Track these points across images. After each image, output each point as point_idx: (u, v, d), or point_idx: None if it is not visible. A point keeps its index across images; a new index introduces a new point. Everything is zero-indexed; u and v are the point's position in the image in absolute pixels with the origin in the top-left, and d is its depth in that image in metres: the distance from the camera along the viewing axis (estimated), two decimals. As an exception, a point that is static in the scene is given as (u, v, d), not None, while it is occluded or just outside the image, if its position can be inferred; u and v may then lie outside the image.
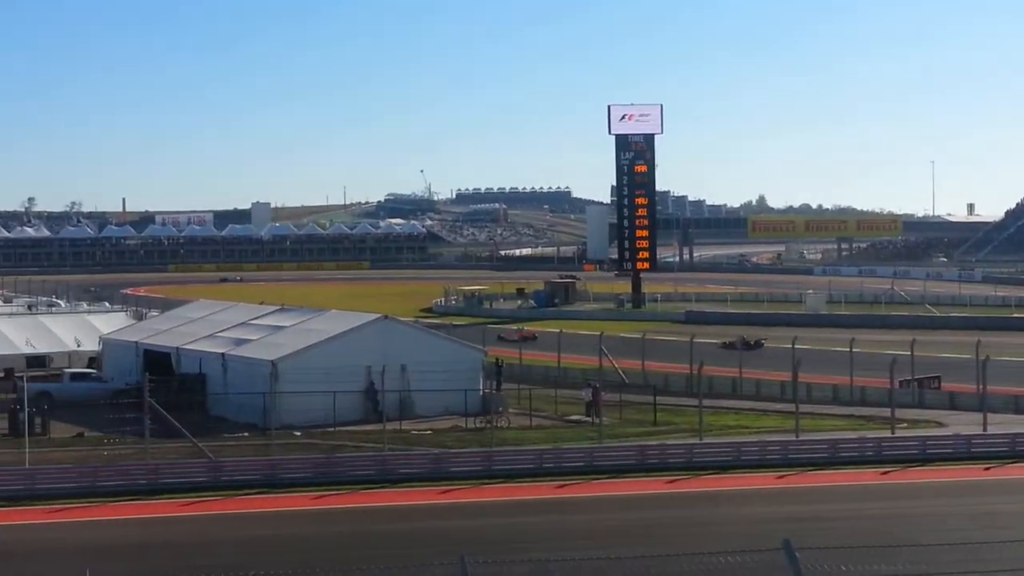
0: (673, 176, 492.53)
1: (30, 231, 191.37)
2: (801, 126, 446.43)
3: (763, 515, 28.79)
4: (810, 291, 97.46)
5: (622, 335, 64.58)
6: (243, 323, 48.33)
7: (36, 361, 49.86)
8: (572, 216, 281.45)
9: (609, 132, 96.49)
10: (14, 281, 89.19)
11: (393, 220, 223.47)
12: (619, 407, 43.01)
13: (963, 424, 39.88)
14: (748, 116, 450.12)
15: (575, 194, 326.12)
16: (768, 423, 41.92)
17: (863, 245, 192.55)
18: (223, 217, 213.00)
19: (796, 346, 47.32)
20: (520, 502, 30.61)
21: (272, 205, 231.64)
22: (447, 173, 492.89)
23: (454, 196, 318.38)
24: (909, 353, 47.61)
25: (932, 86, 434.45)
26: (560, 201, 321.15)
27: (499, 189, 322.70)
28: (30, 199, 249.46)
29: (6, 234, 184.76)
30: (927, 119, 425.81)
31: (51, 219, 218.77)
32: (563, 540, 26.68)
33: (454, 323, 68.18)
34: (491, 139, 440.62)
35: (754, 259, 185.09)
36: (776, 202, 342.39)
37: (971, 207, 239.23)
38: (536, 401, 44.29)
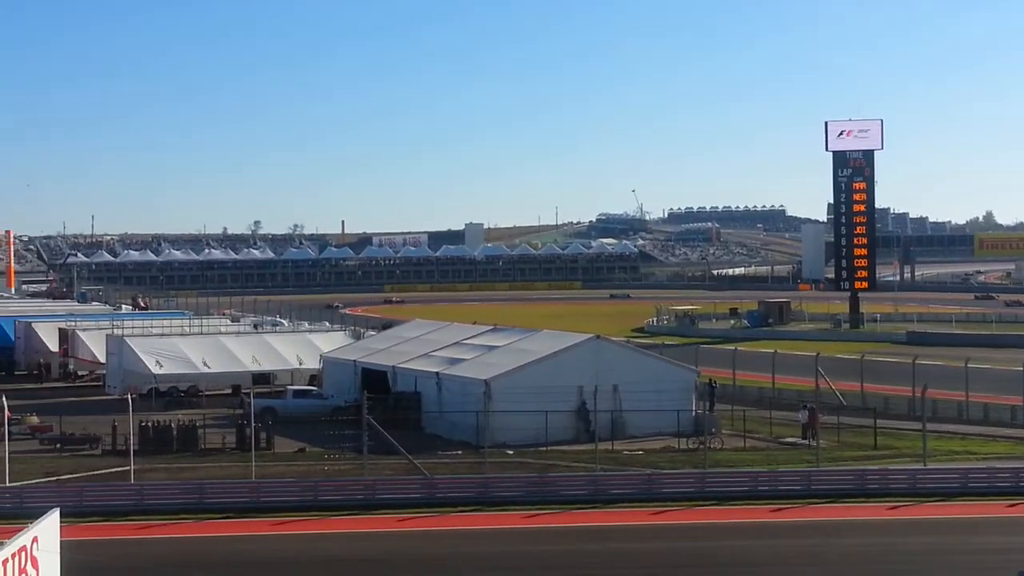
0: (894, 193, 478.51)
1: (256, 253, 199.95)
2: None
3: (995, 545, 27.61)
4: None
5: (839, 356, 62.99)
6: (457, 343, 49.15)
7: (261, 378, 51.96)
8: (787, 235, 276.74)
9: (826, 149, 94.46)
10: (241, 301, 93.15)
11: (605, 240, 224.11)
12: (837, 430, 41.87)
13: None
14: (974, 129, 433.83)
15: (789, 212, 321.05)
16: (997, 449, 40.13)
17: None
18: (437, 238, 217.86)
19: (1028, 368, 45.11)
20: (734, 525, 30.14)
21: (485, 226, 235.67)
22: (658, 192, 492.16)
23: (666, 215, 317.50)
24: None
25: None
26: (774, 219, 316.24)
27: (711, 208, 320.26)
28: (256, 222, 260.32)
29: (234, 256, 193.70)
30: None
31: (275, 241, 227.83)
32: (785, 565, 26.19)
33: (666, 343, 67.85)
34: (703, 157, 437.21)
35: (981, 278, 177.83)
36: (1005, 218, 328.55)
37: None
38: (750, 422, 43.55)
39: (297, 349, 56.72)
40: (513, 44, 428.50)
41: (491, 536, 29.33)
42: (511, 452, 38.22)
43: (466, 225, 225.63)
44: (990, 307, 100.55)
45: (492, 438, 37.32)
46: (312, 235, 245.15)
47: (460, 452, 38.63)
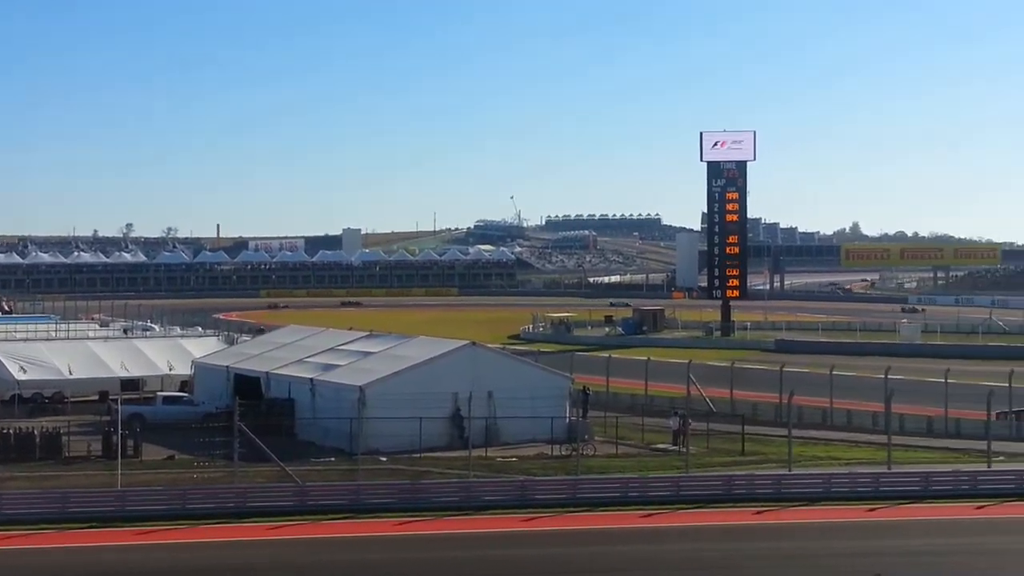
0: (765, 203, 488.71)
1: (127, 256, 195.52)
2: (897, 153, 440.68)
3: (854, 548, 28.39)
4: (904, 320, 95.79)
5: (710, 363, 64.06)
6: (332, 349, 48.80)
7: (130, 384, 50.80)
8: (662, 243, 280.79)
9: (701, 159, 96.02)
10: (111, 305, 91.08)
11: (482, 246, 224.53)
12: (706, 436, 42.62)
13: (1063, 458, 38.86)
14: (843, 143, 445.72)
15: (665, 221, 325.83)
16: (859, 455, 41.23)
17: (960, 274, 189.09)
18: (314, 243, 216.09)
19: (890, 376, 46.51)
20: (605, 531, 30.45)
21: (363, 231, 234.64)
22: (537, 200, 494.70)
23: (543, 223, 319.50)
24: (1007, 384, 46.51)
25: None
26: (650, 228, 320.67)
27: (589, 216, 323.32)
28: (128, 225, 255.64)
29: (104, 259, 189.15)
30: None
31: (148, 245, 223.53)
32: (652, 570, 26.57)
33: (541, 350, 68.28)
34: (582, 166, 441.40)
35: (847, 287, 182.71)
36: (870, 230, 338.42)
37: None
38: (622, 429, 44.04)
39: (168, 355, 55.67)
40: (390, 51, 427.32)
41: (362, 544, 29.19)
42: (384, 459, 38.06)
43: (343, 230, 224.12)
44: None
45: (366, 445, 37.12)
46: (186, 239, 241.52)
47: (333, 459, 38.35)
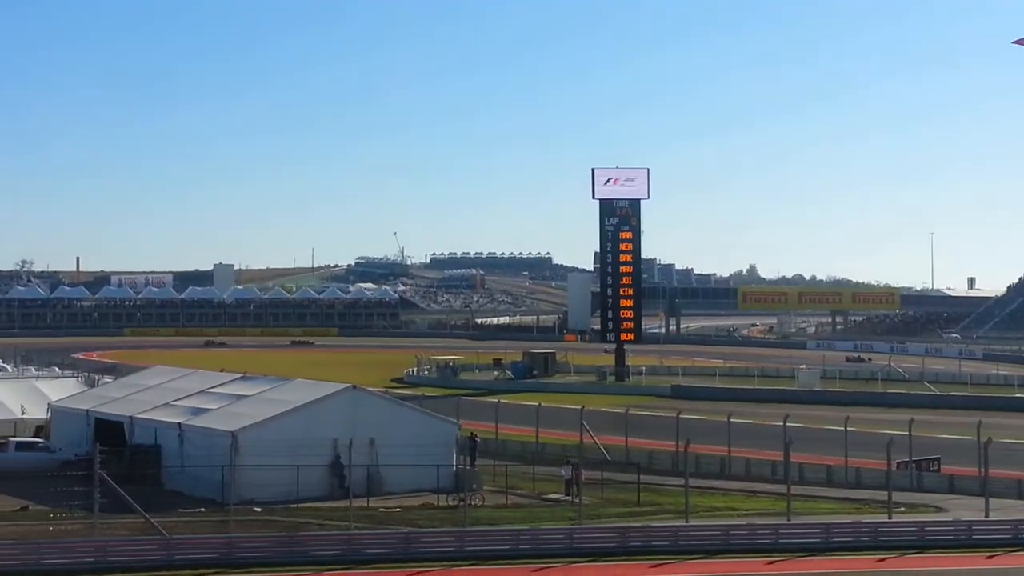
0: (660, 244, 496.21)
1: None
2: (795, 195, 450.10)
3: (753, 603, 28.67)
4: (803, 366, 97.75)
5: (604, 409, 64.66)
6: (202, 391, 48.05)
7: (-22, 429, 49.42)
8: (553, 284, 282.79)
9: (593, 196, 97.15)
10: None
11: (364, 285, 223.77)
12: (601, 485, 42.83)
13: (964, 509, 39.81)
14: (740, 184, 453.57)
15: (556, 260, 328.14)
16: (758, 505, 41.80)
17: (859, 319, 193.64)
18: (183, 278, 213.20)
19: (789, 424, 47.31)
20: (493, 586, 30.36)
21: (236, 267, 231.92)
22: (421, 236, 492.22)
23: (428, 260, 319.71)
24: (907, 433, 47.64)
25: (930, 158, 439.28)
26: (541, 267, 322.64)
27: (476, 254, 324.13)
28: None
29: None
30: (926, 190, 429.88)
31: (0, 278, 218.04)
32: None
33: (426, 394, 68.13)
34: (468, 202, 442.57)
35: (745, 331, 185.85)
36: (768, 272, 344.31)
37: (972, 281, 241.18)
38: (512, 478, 44.05)
39: (22, 397, 54.28)
40: (259, 85, 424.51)
41: (235, 601, 28.66)
42: (259, 509, 37.51)
43: (215, 265, 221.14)
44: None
45: (239, 494, 36.58)
46: (43, 272, 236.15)
47: (203, 509, 37.65)
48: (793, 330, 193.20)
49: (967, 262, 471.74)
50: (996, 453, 41.01)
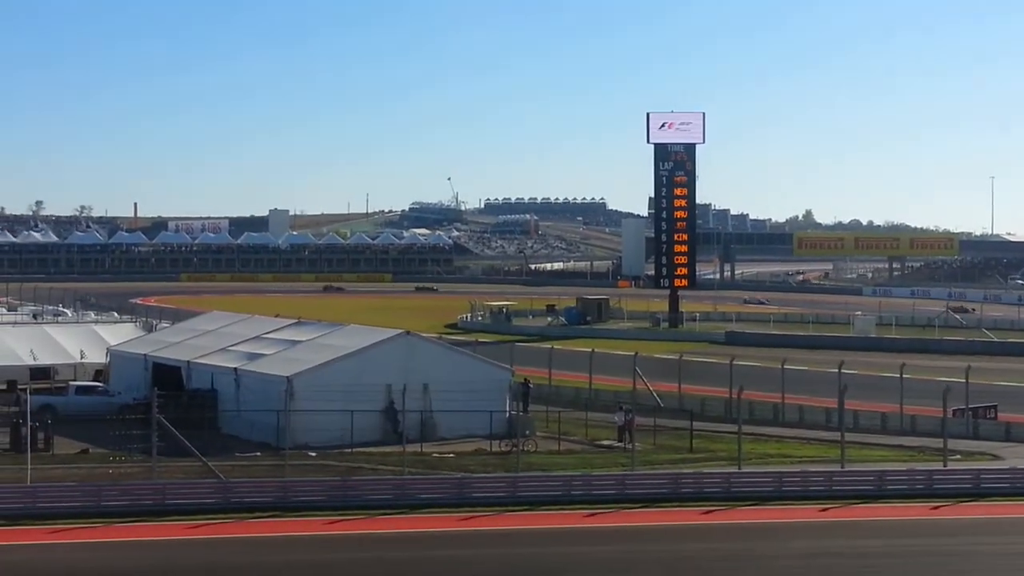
0: (715, 189, 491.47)
1: (37, 236, 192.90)
2: (852, 140, 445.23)
3: (805, 549, 28.71)
4: (859, 312, 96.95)
5: (658, 356, 64.53)
6: (257, 337, 48.50)
7: (40, 373, 50.24)
8: (607, 229, 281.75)
9: (648, 141, 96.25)
10: (19, 288, 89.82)
11: (418, 230, 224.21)
12: (653, 432, 42.88)
13: (1020, 457, 39.59)
14: (796, 129, 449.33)
15: (611, 206, 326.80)
16: (812, 452, 41.72)
17: (916, 264, 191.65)
18: (239, 224, 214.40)
19: (843, 371, 47.06)
20: (546, 531, 30.57)
21: (291, 212, 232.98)
22: (476, 182, 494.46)
23: (483, 206, 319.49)
24: (964, 380, 47.26)
25: (992, 101, 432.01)
26: (595, 213, 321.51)
27: (530, 199, 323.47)
28: (38, 202, 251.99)
29: (12, 239, 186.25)
30: (986, 133, 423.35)
31: (59, 224, 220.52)
32: (593, 572, 26.70)
33: (479, 340, 68.23)
34: (523, 147, 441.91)
35: (800, 277, 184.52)
36: (824, 218, 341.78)
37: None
38: (565, 424, 44.21)
39: (81, 342, 55.05)
40: (319, 34, 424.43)
41: (288, 543, 29.06)
42: (313, 454, 37.94)
43: (270, 211, 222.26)
44: (809, 308, 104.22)
45: (293, 439, 37.01)
46: (101, 218, 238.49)
47: (259, 454, 38.16)
48: (852, 276, 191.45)
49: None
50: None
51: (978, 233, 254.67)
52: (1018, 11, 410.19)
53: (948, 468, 36.36)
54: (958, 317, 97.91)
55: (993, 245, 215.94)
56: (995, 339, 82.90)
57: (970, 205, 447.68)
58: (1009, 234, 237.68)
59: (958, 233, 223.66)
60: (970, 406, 47.28)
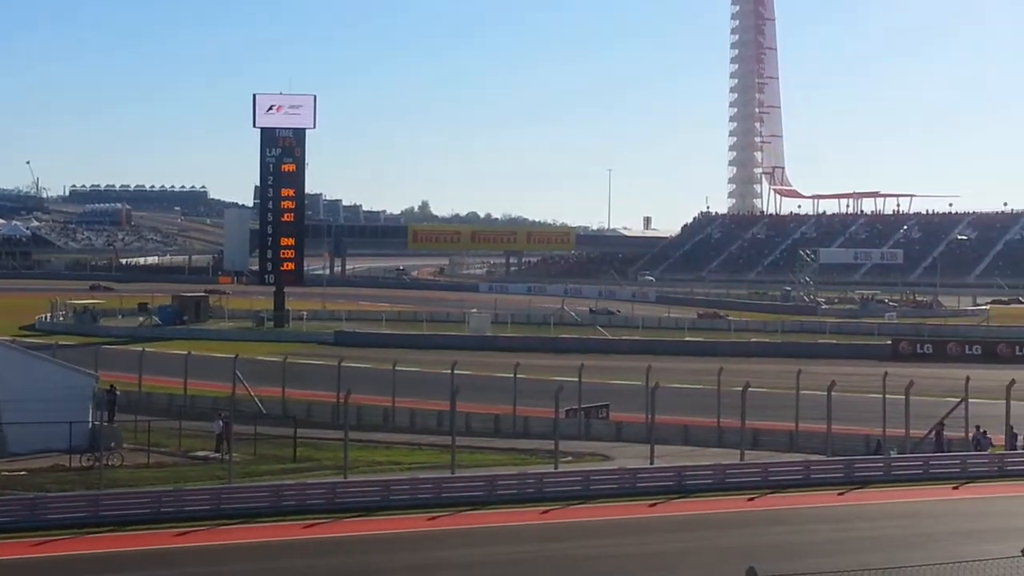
0: (327, 178, 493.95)
1: None
2: (468, 128, 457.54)
3: (413, 561, 29.25)
4: (474, 310, 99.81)
5: (261, 358, 64.24)
6: None
7: None
8: (208, 220, 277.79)
9: (254, 125, 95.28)
10: None
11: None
12: (254, 441, 42.64)
13: (630, 457, 41.78)
14: (412, 118, 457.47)
15: (213, 195, 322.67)
16: (423, 458, 42.58)
17: (533, 260, 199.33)
18: None
19: (457, 371, 48.26)
20: (130, 554, 29.72)
21: None
22: (59, 167, 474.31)
23: (68, 194, 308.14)
24: (576, 379, 49.48)
25: (610, 92, 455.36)
26: (195, 203, 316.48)
27: (122, 187, 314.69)
28: None
29: None
30: (604, 126, 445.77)
31: None
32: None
33: (61, 343, 65.88)
34: (114, 128, 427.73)
35: (414, 273, 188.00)
36: (441, 210, 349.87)
37: (648, 220, 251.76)
38: (157, 435, 43.27)
39: None
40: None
41: None
42: None
43: None
44: (424, 305, 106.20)
45: None
46: None
47: None
48: (467, 271, 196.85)
49: (644, 201, 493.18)
50: (664, 398, 43.35)
51: (595, 227, 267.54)
52: None
53: (559, 471, 37.92)
54: (572, 314, 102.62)
55: (609, 240, 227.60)
56: (609, 336, 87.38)
57: (588, 198, 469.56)
58: (625, 228, 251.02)
59: (575, 227, 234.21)
60: (583, 406, 49.59)
